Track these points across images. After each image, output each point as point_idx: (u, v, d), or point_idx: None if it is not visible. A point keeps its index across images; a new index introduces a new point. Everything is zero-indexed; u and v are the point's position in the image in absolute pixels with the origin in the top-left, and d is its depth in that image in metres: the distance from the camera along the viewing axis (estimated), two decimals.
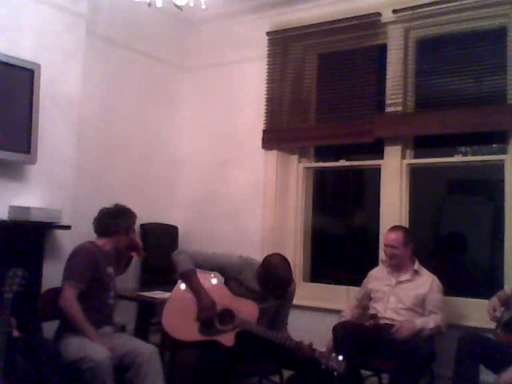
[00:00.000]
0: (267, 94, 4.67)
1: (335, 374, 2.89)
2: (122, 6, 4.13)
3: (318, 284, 4.55)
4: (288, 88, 4.61)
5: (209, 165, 5.01)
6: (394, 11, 4.10)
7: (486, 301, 3.30)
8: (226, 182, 4.89)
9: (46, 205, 3.70)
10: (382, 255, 3.83)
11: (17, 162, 3.59)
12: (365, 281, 3.78)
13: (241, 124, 4.87)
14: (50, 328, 3.13)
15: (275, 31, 4.66)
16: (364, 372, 3.46)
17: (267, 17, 4.69)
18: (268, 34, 4.68)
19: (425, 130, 4.05)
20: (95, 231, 3.25)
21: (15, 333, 2.77)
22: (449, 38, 4.03)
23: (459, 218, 5.21)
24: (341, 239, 5.20)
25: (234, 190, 4.83)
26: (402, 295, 3.53)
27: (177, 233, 4.99)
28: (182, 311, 3.13)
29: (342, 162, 4.53)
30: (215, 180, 4.96)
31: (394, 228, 3.68)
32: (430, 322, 3.37)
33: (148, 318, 3.85)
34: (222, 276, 3.27)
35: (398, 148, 4.17)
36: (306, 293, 4.27)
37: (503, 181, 3.82)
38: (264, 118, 4.68)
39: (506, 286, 3.36)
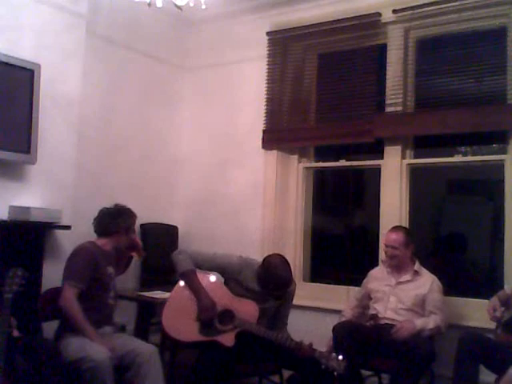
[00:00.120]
0: (267, 93, 4.67)
1: (335, 373, 2.89)
2: (121, 5, 4.13)
3: (318, 284, 4.55)
4: (288, 88, 4.61)
5: (209, 165, 5.01)
6: (394, 11, 4.10)
7: (486, 301, 3.30)
8: (226, 181, 4.89)
9: (45, 205, 3.70)
10: (382, 255, 3.83)
11: (17, 161, 3.59)
12: (365, 281, 3.78)
13: (241, 124, 4.86)
14: (50, 328, 3.12)
15: (275, 31, 4.66)
16: (364, 372, 3.46)
17: (267, 17, 4.69)
18: (268, 33, 4.68)
19: (425, 130, 4.05)
20: (95, 231, 3.25)
21: (15, 333, 2.76)
22: (449, 38, 4.03)
23: (459, 218, 5.20)
24: (341, 239, 5.20)
25: (234, 190, 4.83)
26: (402, 295, 3.52)
27: (177, 233, 4.99)
28: (182, 311, 3.12)
29: (342, 162, 4.53)
30: (215, 180, 4.96)
31: (395, 228, 3.67)
32: (429, 322, 3.37)
33: (148, 318, 3.85)
34: (222, 276, 3.27)
35: (398, 148, 4.17)
36: (305, 293, 4.26)
37: (503, 181, 3.82)
38: (264, 118, 4.68)
39: (506, 286, 3.35)
